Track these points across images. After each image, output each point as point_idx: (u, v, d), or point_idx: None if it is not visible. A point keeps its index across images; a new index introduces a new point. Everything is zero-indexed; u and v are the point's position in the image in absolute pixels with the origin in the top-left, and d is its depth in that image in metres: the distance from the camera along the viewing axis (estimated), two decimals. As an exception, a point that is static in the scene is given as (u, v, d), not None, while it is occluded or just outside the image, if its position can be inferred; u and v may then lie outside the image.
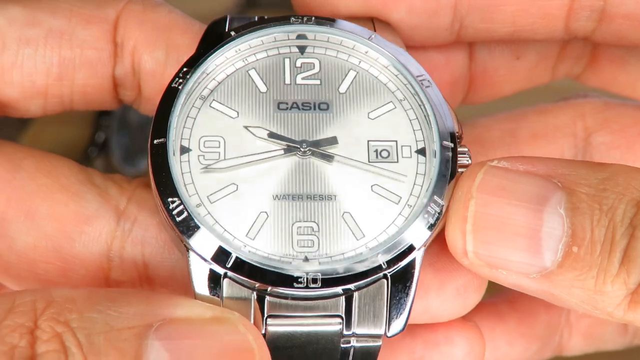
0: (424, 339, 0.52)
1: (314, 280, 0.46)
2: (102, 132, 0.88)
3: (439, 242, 0.48)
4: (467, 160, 0.49)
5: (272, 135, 0.49)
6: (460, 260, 0.47)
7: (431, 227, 0.47)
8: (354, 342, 0.48)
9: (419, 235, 0.47)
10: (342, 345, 0.47)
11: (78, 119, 0.88)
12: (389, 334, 0.47)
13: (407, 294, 0.47)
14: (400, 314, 0.47)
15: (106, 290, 0.46)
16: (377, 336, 0.48)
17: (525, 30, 0.54)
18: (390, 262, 0.47)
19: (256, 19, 0.52)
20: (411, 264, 0.47)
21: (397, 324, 0.47)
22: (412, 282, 0.47)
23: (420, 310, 0.49)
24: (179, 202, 0.47)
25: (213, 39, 0.51)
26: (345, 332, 0.47)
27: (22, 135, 0.84)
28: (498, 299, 0.59)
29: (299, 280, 0.46)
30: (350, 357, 0.48)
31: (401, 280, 0.47)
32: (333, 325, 0.47)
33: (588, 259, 0.44)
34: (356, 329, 0.47)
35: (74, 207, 0.51)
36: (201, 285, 0.47)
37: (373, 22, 0.53)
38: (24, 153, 0.53)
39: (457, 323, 0.51)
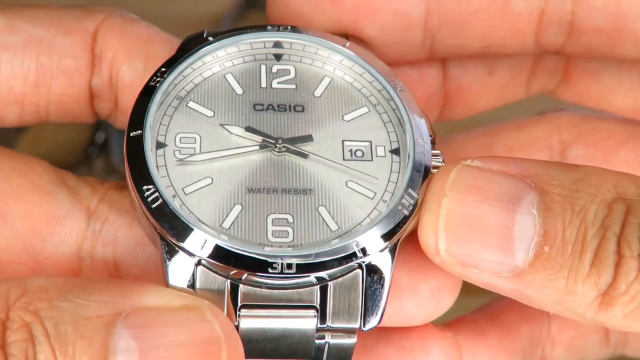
0: (399, 344, 0.52)
1: (289, 266, 0.46)
2: (102, 132, 0.88)
3: (412, 243, 0.48)
4: (440, 162, 0.49)
5: (249, 129, 0.50)
6: (433, 258, 0.47)
7: (406, 219, 0.47)
8: (328, 338, 0.47)
9: (393, 229, 0.47)
10: (316, 341, 0.47)
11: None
12: (364, 328, 0.47)
13: (382, 286, 0.47)
14: (376, 306, 0.47)
15: (79, 279, 0.46)
16: (352, 330, 0.47)
17: (496, 45, 0.54)
18: (365, 251, 0.47)
19: None
20: (386, 256, 0.47)
21: (373, 318, 0.47)
22: (386, 274, 0.47)
23: (393, 312, 0.49)
24: (154, 189, 0.47)
25: (191, 43, 0.52)
26: (320, 325, 0.47)
27: (22, 136, 0.85)
28: (479, 314, 0.59)
29: (274, 265, 0.46)
30: (325, 354, 0.48)
31: (376, 271, 0.47)
32: (307, 319, 0.47)
33: (559, 259, 0.44)
34: (331, 322, 0.47)
35: (46, 208, 0.51)
36: (174, 275, 0.47)
37: (347, 38, 0.53)
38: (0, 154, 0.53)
39: (434, 331, 0.52)
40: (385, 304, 0.47)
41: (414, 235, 0.48)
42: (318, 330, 0.47)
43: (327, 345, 0.48)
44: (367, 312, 0.47)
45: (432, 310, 0.50)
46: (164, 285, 0.47)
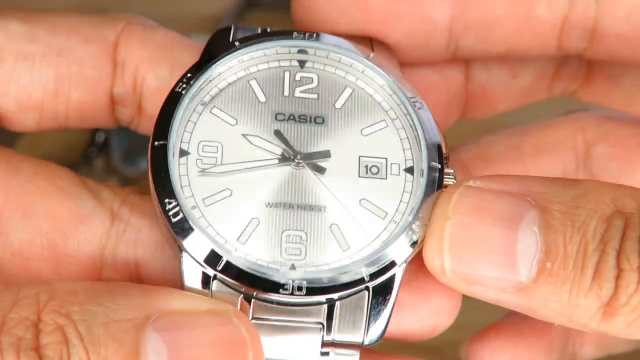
0: None
1: (299, 288, 0.47)
2: (102, 132, 0.88)
3: (416, 262, 0.49)
4: (452, 181, 0.50)
5: (277, 133, 0.51)
6: (439, 277, 0.48)
7: (414, 244, 0.49)
8: (332, 355, 0.49)
9: (401, 251, 0.48)
10: (321, 358, 0.49)
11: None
12: (366, 342, 0.49)
13: (386, 306, 0.49)
14: (378, 324, 0.49)
15: (105, 284, 0.47)
16: (355, 345, 0.49)
17: (519, 49, 0.55)
18: (373, 275, 0.48)
19: (259, 31, 0.53)
20: (392, 278, 0.49)
21: (374, 333, 0.49)
22: (391, 295, 0.49)
23: (393, 326, 0.50)
24: (176, 203, 0.48)
25: (217, 47, 0.52)
26: (325, 339, 0.49)
27: (22, 136, 0.84)
28: (514, 317, 0.60)
29: (285, 287, 0.47)
30: None
31: (381, 293, 0.49)
32: (314, 333, 0.48)
33: (561, 274, 0.45)
34: (336, 336, 0.49)
35: (70, 207, 0.52)
36: (191, 281, 0.48)
37: (371, 41, 0.54)
38: (22, 158, 0.54)
39: None
40: (388, 321, 0.49)
41: (419, 254, 0.49)
42: (323, 344, 0.49)
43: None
44: (369, 328, 0.49)
45: (430, 330, 0.51)
46: (180, 286, 0.48)
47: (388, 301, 0.49)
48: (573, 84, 0.61)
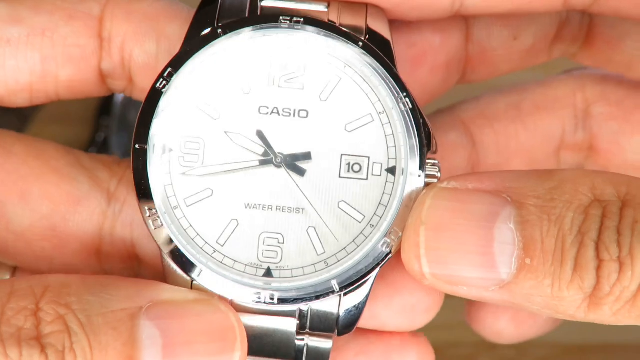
0: (374, 343, 0.53)
1: (272, 297, 0.49)
2: (102, 132, 0.88)
3: (395, 257, 0.49)
4: (437, 173, 0.50)
5: (259, 133, 0.50)
6: (420, 281, 0.48)
7: (389, 249, 0.49)
8: (307, 340, 0.50)
9: (375, 257, 0.49)
10: (296, 342, 0.50)
11: (78, 119, 0.88)
12: (338, 335, 0.50)
13: (358, 308, 0.50)
14: (350, 322, 0.50)
15: (96, 277, 0.48)
16: (328, 335, 0.50)
17: (524, 6, 0.54)
18: (344, 286, 0.49)
19: (246, 13, 0.51)
20: (364, 284, 0.49)
21: (346, 329, 0.50)
22: (363, 299, 0.50)
23: (368, 315, 0.51)
24: (155, 210, 0.49)
25: (202, 26, 0.51)
26: (299, 330, 0.50)
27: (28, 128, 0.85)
28: None
29: (257, 297, 0.49)
30: (304, 355, 0.50)
31: (354, 298, 0.50)
32: (289, 325, 0.50)
33: (541, 268, 0.45)
34: (309, 328, 0.50)
35: (66, 189, 0.52)
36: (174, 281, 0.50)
37: (367, 7, 0.52)
38: (13, 138, 0.54)
39: (409, 336, 0.53)
40: (360, 314, 0.50)
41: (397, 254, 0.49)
42: (298, 333, 0.50)
43: (306, 347, 0.50)
44: (340, 326, 0.50)
45: (405, 324, 0.52)
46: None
47: (361, 304, 0.50)
48: (573, 46, 0.60)
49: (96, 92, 0.55)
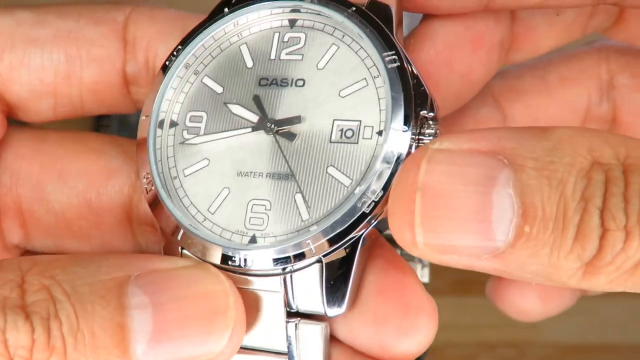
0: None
1: (245, 261, 0.48)
2: (102, 132, 0.88)
3: (384, 261, 0.49)
4: (433, 131, 0.49)
5: (255, 98, 0.51)
6: (409, 250, 0.45)
7: (374, 216, 0.48)
8: (300, 325, 0.50)
9: (360, 221, 0.48)
10: (287, 323, 0.49)
11: (78, 119, 0.88)
12: (328, 315, 0.49)
13: (345, 277, 0.49)
14: (338, 297, 0.49)
15: (89, 253, 0.49)
16: (319, 316, 0.49)
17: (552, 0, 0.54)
18: (320, 249, 0.48)
19: None
20: (350, 249, 0.48)
21: (335, 307, 0.49)
22: (349, 266, 0.48)
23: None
24: (150, 177, 0.50)
25: (217, 13, 0.53)
26: (288, 310, 0.49)
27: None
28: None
29: (233, 259, 0.48)
30: (295, 339, 0.50)
31: (337, 265, 0.49)
32: (276, 300, 0.49)
33: (540, 237, 0.42)
34: (299, 306, 0.49)
35: (100, 163, 0.55)
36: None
37: None
38: (47, 130, 0.56)
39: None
40: (348, 294, 0.49)
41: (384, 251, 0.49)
42: (289, 314, 0.49)
43: (296, 327, 0.50)
44: (329, 302, 0.49)
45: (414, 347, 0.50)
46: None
47: (346, 272, 0.48)
48: (606, 22, 0.60)
49: (121, 102, 0.56)
